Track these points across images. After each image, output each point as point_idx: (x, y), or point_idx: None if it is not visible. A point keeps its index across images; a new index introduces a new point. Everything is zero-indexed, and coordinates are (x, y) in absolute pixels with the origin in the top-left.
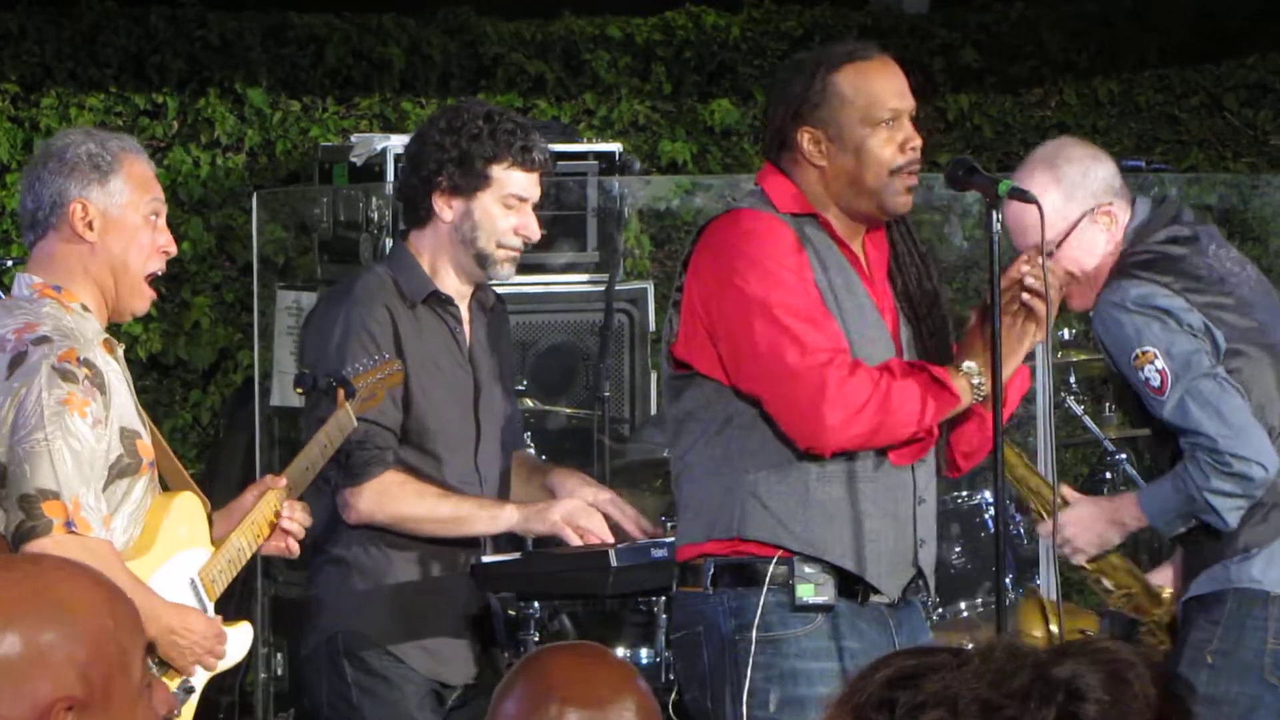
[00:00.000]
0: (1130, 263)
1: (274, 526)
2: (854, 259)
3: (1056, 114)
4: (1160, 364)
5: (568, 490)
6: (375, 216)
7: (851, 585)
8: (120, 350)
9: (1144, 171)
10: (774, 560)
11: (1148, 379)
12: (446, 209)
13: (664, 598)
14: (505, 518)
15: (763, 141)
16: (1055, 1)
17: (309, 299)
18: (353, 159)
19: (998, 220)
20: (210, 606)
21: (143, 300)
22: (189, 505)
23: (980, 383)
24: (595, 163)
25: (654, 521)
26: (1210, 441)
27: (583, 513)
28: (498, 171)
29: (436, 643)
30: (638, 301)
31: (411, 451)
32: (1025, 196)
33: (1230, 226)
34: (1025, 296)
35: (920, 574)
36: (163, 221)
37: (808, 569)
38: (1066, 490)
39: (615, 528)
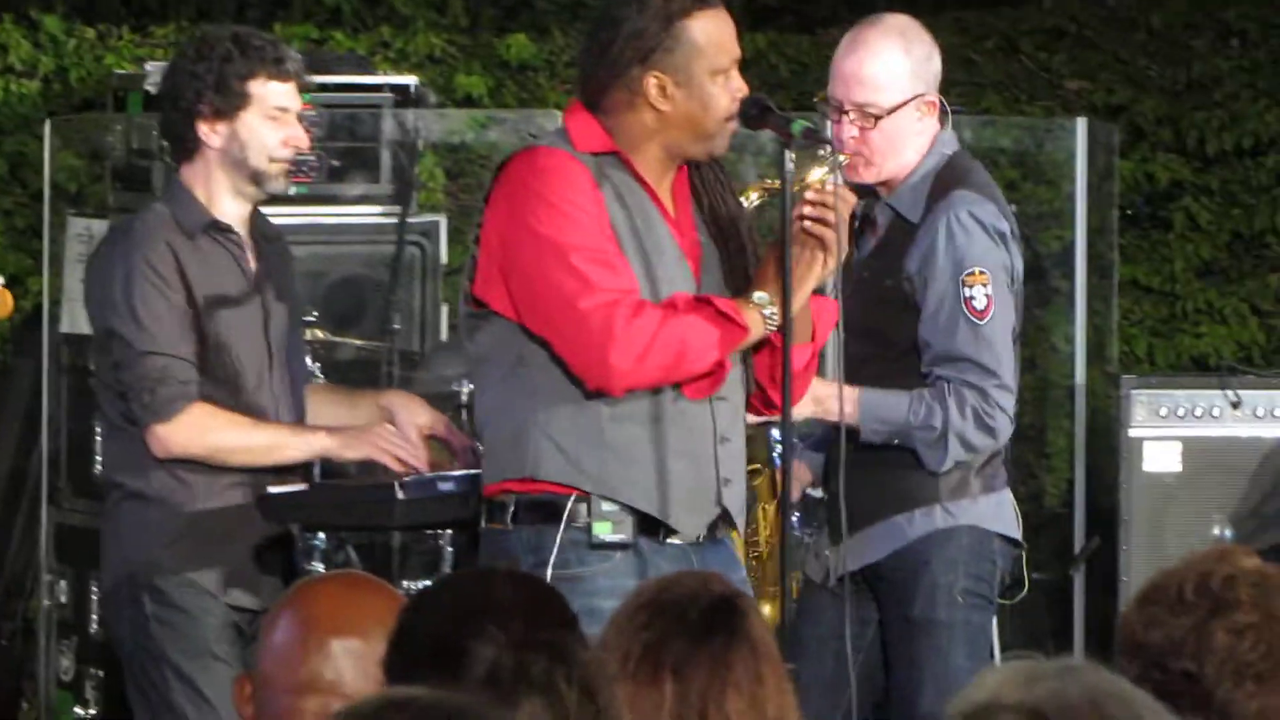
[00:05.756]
0: (977, 180)
1: None
2: (656, 199)
3: None
4: (990, 290)
5: (406, 412)
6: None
7: (653, 524)
8: None
9: None
10: (572, 498)
11: (972, 298)
12: (213, 135)
13: (449, 531)
14: (320, 443)
15: (581, 77)
16: None
17: (100, 226)
18: (147, 87)
19: (790, 160)
20: None
21: None
22: None
23: (772, 313)
24: (390, 95)
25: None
26: (983, 386)
27: (399, 440)
28: (255, 87)
29: (237, 570)
30: (430, 234)
31: (207, 382)
32: (818, 136)
33: (1024, 170)
34: (809, 225)
35: (725, 513)
36: None
37: (605, 506)
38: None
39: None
